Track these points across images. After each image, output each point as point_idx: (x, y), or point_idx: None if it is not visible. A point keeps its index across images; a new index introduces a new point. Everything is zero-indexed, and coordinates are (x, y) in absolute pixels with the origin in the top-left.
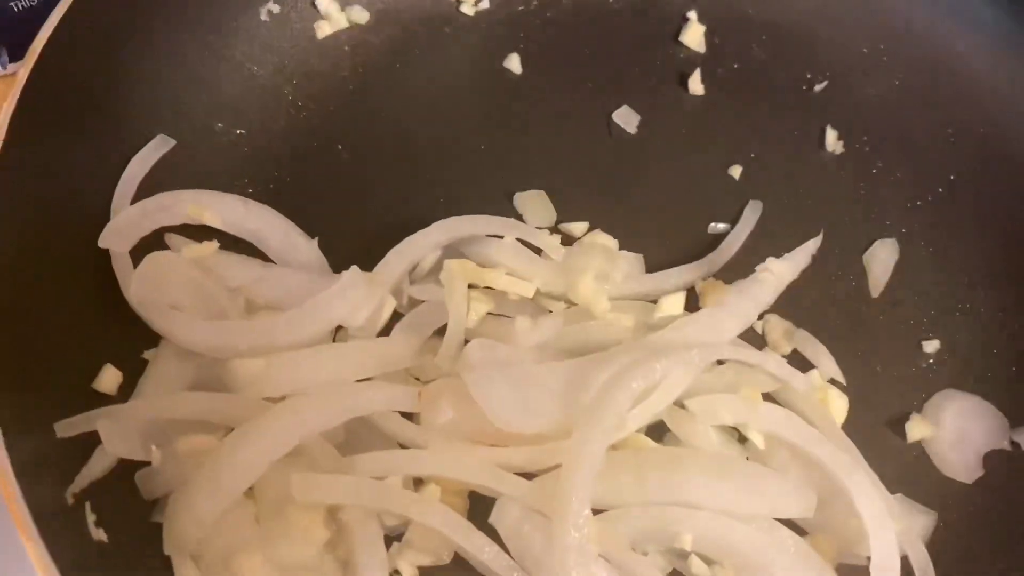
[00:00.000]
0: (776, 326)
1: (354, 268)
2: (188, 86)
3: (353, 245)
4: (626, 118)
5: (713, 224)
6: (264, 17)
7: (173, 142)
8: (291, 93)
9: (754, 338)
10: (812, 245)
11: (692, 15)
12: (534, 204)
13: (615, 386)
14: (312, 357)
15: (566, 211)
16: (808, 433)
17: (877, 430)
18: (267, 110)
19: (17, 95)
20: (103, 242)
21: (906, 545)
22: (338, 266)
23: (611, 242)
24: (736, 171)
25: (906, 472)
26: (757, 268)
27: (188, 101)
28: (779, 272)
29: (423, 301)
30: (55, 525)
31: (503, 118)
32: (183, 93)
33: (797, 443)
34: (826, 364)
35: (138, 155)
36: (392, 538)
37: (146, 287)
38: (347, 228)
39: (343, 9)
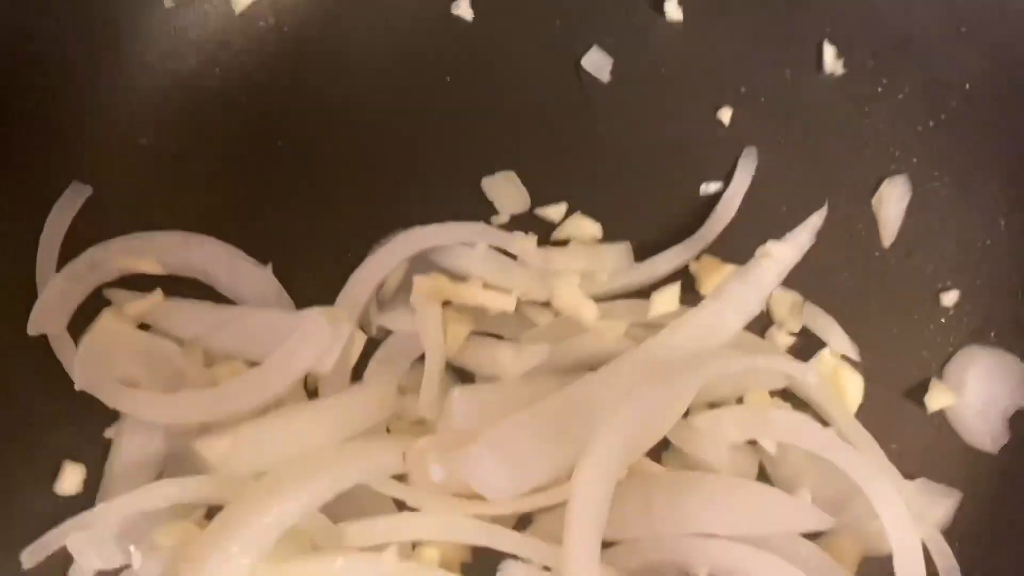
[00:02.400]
0: (782, 301)
1: (315, 309)
2: (96, 107)
3: (310, 262)
4: (597, 63)
5: (705, 184)
6: (169, 3)
7: (89, 189)
8: (214, 85)
9: (759, 316)
10: (816, 219)
11: None
12: (504, 189)
13: (615, 417)
14: (283, 426)
15: (541, 191)
16: (822, 438)
17: (895, 404)
18: (196, 114)
19: None
20: (33, 328)
21: (928, 541)
22: (296, 290)
23: (593, 228)
24: (726, 115)
25: (928, 446)
26: (757, 252)
27: (100, 124)
28: (780, 256)
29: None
30: None
31: (458, 79)
32: (91, 117)
33: (812, 449)
34: (837, 340)
35: (53, 212)
36: None
37: (92, 369)
38: (300, 243)
39: None
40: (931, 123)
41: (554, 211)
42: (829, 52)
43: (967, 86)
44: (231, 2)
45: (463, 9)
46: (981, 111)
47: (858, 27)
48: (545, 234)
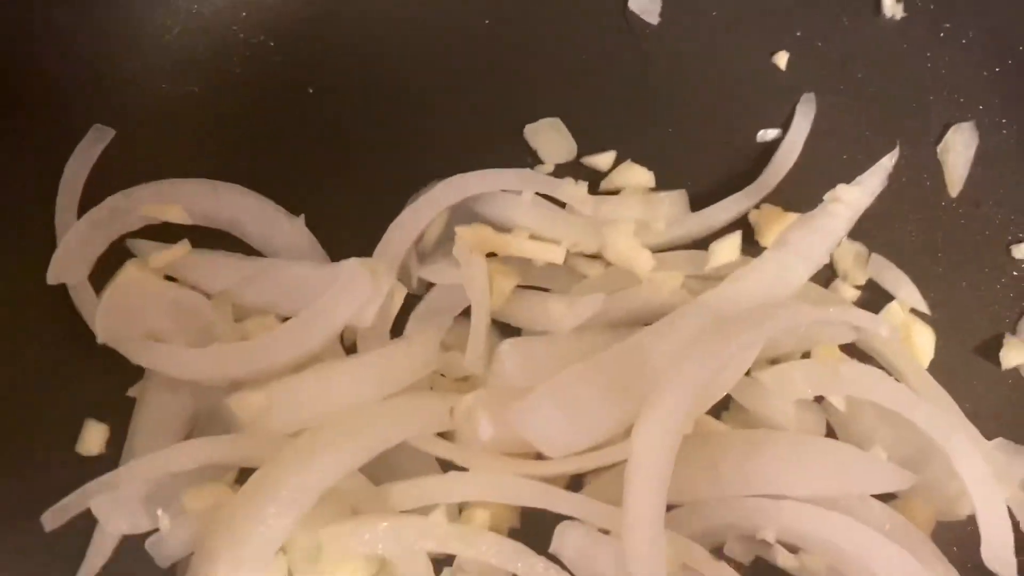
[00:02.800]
0: (846, 252)
1: (353, 260)
2: (118, 47)
3: (344, 213)
4: (645, 5)
5: (762, 131)
6: None
7: (112, 132)
8: (241, 29)
9: (821, 269)
10: (887, 162)
11: None
12: (549, 136)
13: (679, 371)
14: (321, 383)
15: (587, 139)
16: (896, 393)
17: (968, 361)
18: (218, 57)
19: None
20: (53, 277)
21: (1011, 502)
22: (331, 243)
23: (646, 176)
24: (782, 59)
25: (1003, 404)
26: (825, 197)
27: (122, 66)
28: (851, 201)
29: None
30: None
31: (498, 22)
32: (112, 59)
33: (885, 405)
34: (906, 292)
35: (73, 156)
36: (442, 562)
37: (116, 321)
38: (334, 194)
39: None
40: (997, 69)
41: (602, 160)
42: None
43: None
44: None
45: None
46: None
47: None
48: (593, 185)
